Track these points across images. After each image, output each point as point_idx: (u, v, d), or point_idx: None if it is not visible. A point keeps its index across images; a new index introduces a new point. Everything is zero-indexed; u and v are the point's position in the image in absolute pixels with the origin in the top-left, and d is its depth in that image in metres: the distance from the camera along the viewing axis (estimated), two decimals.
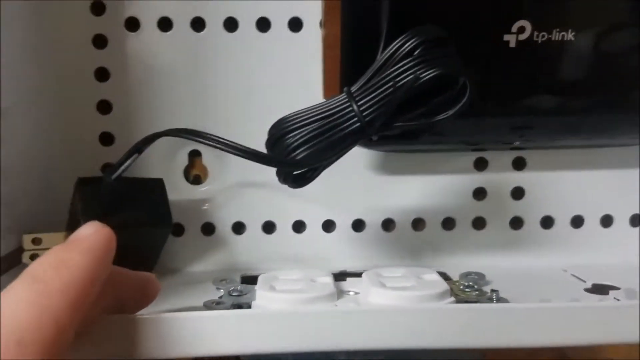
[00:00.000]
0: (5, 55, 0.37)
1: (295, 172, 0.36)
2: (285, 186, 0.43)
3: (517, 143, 0.43)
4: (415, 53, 0.34)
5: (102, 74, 0.43)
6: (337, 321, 0.31)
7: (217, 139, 0.34)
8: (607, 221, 0.45)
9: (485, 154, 0.44)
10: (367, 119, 0.34)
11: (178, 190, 0.43)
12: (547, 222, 0.45)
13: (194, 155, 0.44)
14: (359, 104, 0.34)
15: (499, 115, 0.41)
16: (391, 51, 0.35)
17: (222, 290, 0.39)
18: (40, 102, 0.42)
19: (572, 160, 0.44)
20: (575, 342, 0.31)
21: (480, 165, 0.45)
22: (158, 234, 0.39)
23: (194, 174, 0.45)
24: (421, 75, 0.34)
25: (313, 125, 0.35)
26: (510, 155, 0.45)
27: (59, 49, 0.42)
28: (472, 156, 0.45)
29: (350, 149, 0.36)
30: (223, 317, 0.31)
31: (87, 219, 0.30)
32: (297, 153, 0.34)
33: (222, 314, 0.31)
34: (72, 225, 0.38)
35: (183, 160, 0.44)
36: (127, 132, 0.43)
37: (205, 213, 0.44)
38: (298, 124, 0.35)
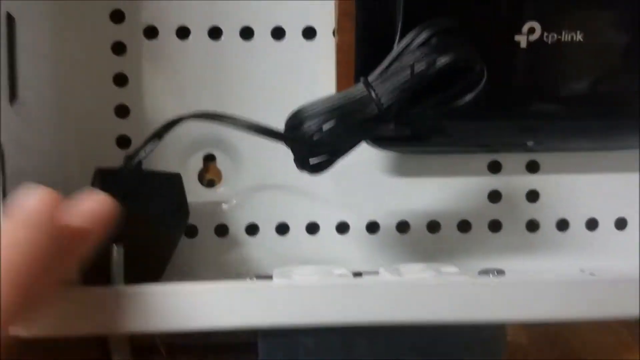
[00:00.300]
0: (25, 59, 0.37)
1: (312, 161, 0.36)
2: (299, 188, 0.43)
3: (530, 144, 0.43)
4: (431, 41, 0.35)
5: (120, 80, 0.44)
6: (356, 294, 0.31)
7: (235, 119, 0.34)
8: (621, 224, 0.45)
9: (499, 157, 0.45)
10: (384, 105, 0.35)
11: (192, 193, 0.43)
12: (562, 225, 0.45)
13: (209, 159, 0.45)
14: (376, 90, 0.35)
15: (511, 116, 0.42)
16: (407, 41, 0.36)
17: None
18: (59, 105, 0.43)
19: (585, 163, 0.45)
20: (591, 315, 0.31)
21: (495, 168, 0.45)
22: (176, 224, 0.39)
23: (208, 178, 0.45)
24: (437, 62, 0.34)
25: (331, 112, 0.35)
26: (523, 158, 0.45)
27: (78, 55, 0.43)
28: (486, 159, 0.45)
29: (368, 135, 0.36)
30: (239, 289, 0.31)
31: None
32: (316, 138, 0.35)
33: (239, 285, 0.31)
34: None
35: (197, 164, 0.45)
36: (144, 135, 0.43)
37: (218, 215, 0.44)
38: (316, 111, 0.35)
